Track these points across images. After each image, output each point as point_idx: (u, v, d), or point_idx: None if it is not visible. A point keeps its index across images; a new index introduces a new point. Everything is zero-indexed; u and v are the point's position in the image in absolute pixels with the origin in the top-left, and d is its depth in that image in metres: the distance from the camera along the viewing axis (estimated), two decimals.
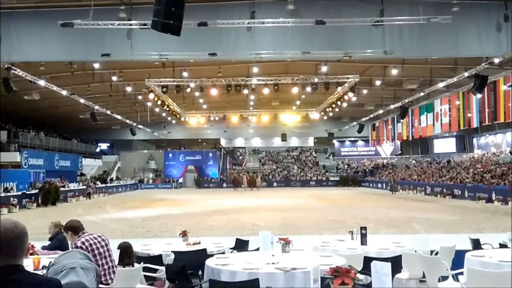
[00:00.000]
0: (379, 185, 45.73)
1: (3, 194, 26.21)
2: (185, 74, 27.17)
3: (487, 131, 41.59)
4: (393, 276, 5.41)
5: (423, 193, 35.85)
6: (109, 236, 5.73)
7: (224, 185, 51.64)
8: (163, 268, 6.52)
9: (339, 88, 29.43)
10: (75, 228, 5.75)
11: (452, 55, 19.33)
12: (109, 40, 15.49)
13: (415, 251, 6.96)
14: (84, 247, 5.26)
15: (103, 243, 5.50)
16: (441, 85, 25.82)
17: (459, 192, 30.96)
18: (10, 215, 23.24)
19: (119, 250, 6.17)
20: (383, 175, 48.65)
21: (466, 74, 21.48)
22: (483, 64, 19.31)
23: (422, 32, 15.44)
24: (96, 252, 5.37)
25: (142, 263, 6.27)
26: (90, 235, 5.54)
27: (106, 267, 5.46)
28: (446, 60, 23.82)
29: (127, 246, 6.28)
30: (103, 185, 43.69)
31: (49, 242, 7.62)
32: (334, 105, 34.03)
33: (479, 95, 22.66)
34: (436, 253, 7.13)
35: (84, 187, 38.55)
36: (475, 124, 26.73)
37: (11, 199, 26.07)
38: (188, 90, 28.24)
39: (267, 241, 6.37)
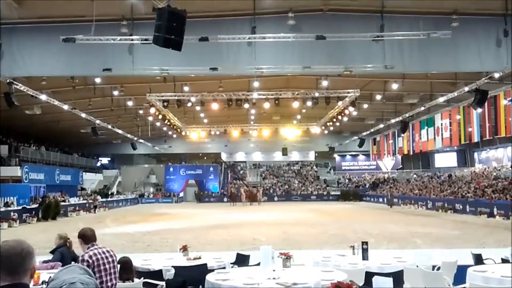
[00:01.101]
0: (380, 200, 45.61)
1: (3, 209, 26.16)
2: (186, 88, 27.25)
3: (488, 145, 41.60)
4: None
5: (424, 208, 35.74)
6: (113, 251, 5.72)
7: (225, 199, 51.50)
8: (163, 283, 6.47)
9: (340, 103, 29.47)
10: (86, 237, 5.67)
11: (452, 70, 19.40)
12: (110, 55, 15.58)
13: (417, 266, 6.92)
14: (91, 261, 5.23)
15: (110, 259, 5.47)
16: (441, 99, 25.88)
17: (461, 206, 30.87)
18: (10, 230, 23.19)
19: (119, 265, 6.14)
20: (384, 190, 48.58)
21: (466, 88, 21.52)
22: (483, 79, 19.36)
23: (422, 47, 15.52)
24: (102, 267, 5.33)
25: (142, 278, 6.23)
26: (99, 249, 5.49)
27: (109, 284, 5.42)
28: (447, 74, 23.88)
29: (126, 261, 6.23)
30: (104, 199, 43.62)
31: (52, 256, 7.59)
32: (334, 120, 34.06)
33: (479, 110, 22.69)
34: (438, 268, 7.09)
35: (85, 201, 38.53)
36: (476, 138, 26.72)
37: (12, 213, 26.00)
38: (189, 104, 28.31)
39: (268, 256, 6.34)
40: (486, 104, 21.29)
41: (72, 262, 6.52)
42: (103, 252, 5.46)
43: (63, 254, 7.49)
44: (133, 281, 6.05)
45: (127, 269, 6.13)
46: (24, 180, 32.45)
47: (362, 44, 15.36)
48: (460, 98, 25.36)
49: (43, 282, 5.36)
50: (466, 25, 15.42)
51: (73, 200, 36.86)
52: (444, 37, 14.45)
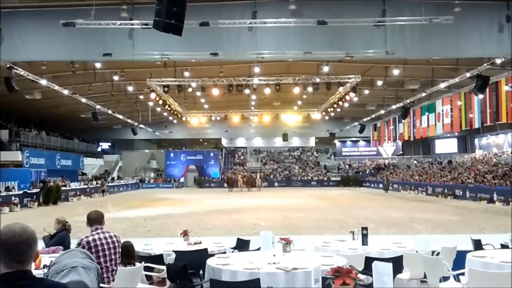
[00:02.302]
0: (380, 185, 45.64)
1: (4, 193, 26.25)
2: (186, 73, 27.17)
3: (489, 131, 41.55)
4: (394, 276, 5.41)
5: (424, 194, 35.82)
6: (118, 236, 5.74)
7: (225, 185, 51.46)
8: (164, 267, 6.51)
9: (341, 88, 29.42)
10: (90, 219, 5.70)
11: (453, 55, 19.31)
12: (110, 39, 15.49)
13: (416, 252, 6.95)
14: (93, 244, 5.26)
15: (111, 245, 5.48)
16: (442, 85, 25.80)
17: (461, 192, 30.93)
18: (12, 214, 23.28)
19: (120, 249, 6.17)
20: (384, 176, 48.69)
21: (468, 74, 21.45)
22: (485, 64, 19.28)
23: (423, 32, 15.42)
24: (101, 253, 5.35)
25: (143, 262, 6.27)
26: (102, 234, 5.50)
27: (110, 268, 5.44)
28: (448, 60, 23.79)
29: (128, 246, 6.26)
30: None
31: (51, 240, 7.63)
32: (335, 105, 34.04)
33: (481, 96, 22.64)
34: (437, 254, 7.12)
35: (85, 186, 38.73)
36: (476, 124, 26.69)
37: (13, 198, 26.10)
38: (190, 90, 28.24)
39: (268, 241, 6.37)
40: (487, 90, 21.24)
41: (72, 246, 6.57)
42: (105, 238, 5.47)
43: (63, 238, 7.54)
44: (134, 265, 6.09)
45: (128, 254, 6.16)
46: (25, 164, 32.51)
47: (364, 29, 15.25)
48: (462, 84, 25.27)
49: (44, 266, 5.38)
50: (468, 11, 15.30)
51: (74, 185, 36.98)
52: (446, 23, 14.35)
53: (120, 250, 5.65)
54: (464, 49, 16.41)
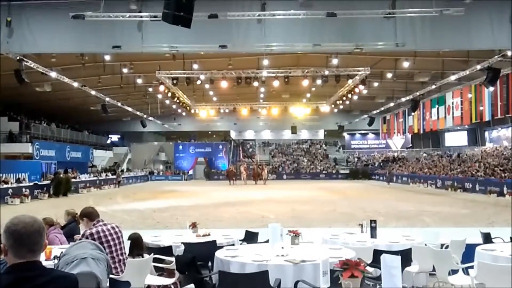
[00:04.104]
0: None
1: (15, 185, 26.47)
2: (195, 66, 27.15)
3: (500, 124, 41.22)
4: (403, 269, 5.40)
5: (433, 187, 35.69)
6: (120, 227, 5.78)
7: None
8: (173, 259, 6.55)
9: (350, 81, 29.29)
10: (90, 214, 5.76)
11: (464, 47, 19.12)
12: (120, 32, 15.50)
13: (425, 245, 6.94)
14: (96, 236, 5.29)
15: (115, 236, 5.52)
16: (453, 78, 25.61)
17: (470, 185, 30.79)
18: (22, 206, 23.49)
19: (129, 241, 6.23)
20: (393, 168, 48.56)
21: (478, 66, 21.26)
22: (495, 56, 19.11)
23: (434, 24, 15.29)
24: (106, 244, 5.39)
25: (152, 254, 6.31)
26: (104, 226, 5.56)
27: (116, 259, 5.49)
28: (458, 52, 23.59)
29: (137, 238, 6.33)
30: (114, 176, 44.04)
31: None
32: (344, 98, 33.89)
33: (491, 88, 22.45)
34: (447, 247, 7.11)
35: (95, 178, 38.98)
36: (487, 117, 26.49)
37: (23, 189, 26.31)
38: (198, 82, 28.24)
39: (276, 233, 6.39)
40: (498, 82, 21.05)
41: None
42: (108, 229, 5.52)
43: (73, 230, 7.61)
44: (143, 257, 6.14)
45: (137, 245, 6.22)
46: (35, 156, 32.74)
47: (373, 21, 15.15)
48: (472, 76, 25.08)
49: (54, 257, 5.44)
50: (479, 2, 15.13)
51: (84, 177, 37.21)
52: (456, 14, 14.22)
53: (123, 240, 5.69)
54: (474, 41, 16.25)
